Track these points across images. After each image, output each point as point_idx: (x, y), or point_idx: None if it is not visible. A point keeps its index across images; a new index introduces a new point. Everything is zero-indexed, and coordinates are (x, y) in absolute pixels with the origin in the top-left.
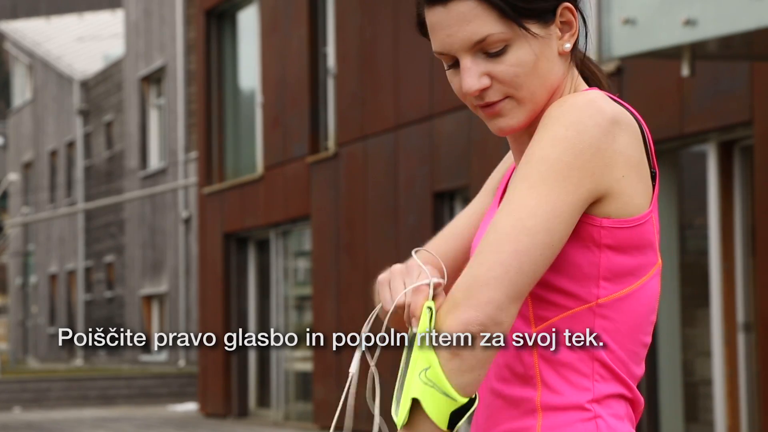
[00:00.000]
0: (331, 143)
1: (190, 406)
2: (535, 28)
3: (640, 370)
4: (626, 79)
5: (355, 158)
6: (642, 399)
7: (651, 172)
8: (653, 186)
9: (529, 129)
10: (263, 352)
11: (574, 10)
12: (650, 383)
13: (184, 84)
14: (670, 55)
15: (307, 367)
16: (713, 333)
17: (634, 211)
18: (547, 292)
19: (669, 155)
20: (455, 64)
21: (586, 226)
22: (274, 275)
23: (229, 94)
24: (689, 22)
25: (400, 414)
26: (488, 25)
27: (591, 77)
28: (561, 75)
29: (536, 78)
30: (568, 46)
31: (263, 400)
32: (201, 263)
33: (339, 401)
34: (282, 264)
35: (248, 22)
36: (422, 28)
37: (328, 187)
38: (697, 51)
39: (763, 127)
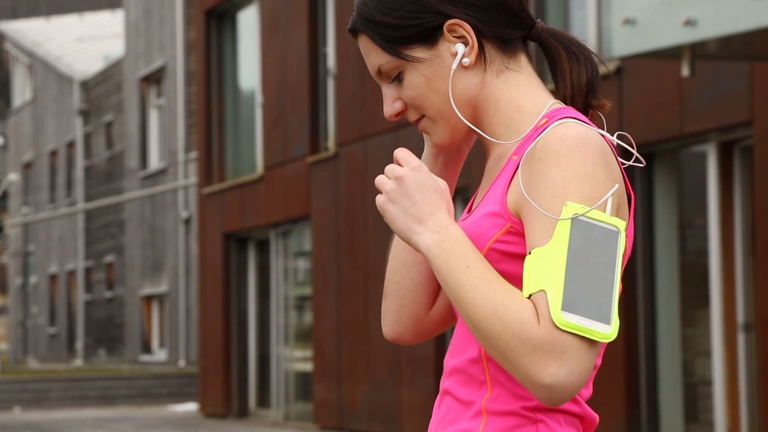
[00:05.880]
0: (331, 143)
1: (190, 406)
2: (417, 52)
3: (586, 391)
4: (626, 79)
5: (355, 158)
6: (596, 417)
7: (627, 195)
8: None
9: (489, 147)
10: (263, 352)
11: (464, 24)
12: (650, 383)
13: (184, 84)
14: (670, 55)
15: (307, 367)
16: (713, 333)
17: None
18: None
19: (669, 155)
20: None
21: None
22: (274, 275)
23: (229, 94)
24: (689, 22)
25: (614, 329)
26: (378, 56)
27: (556, 64)
28: (474, 87)
29: (434, 97)
30: (467, 60)
31: (263, 400)
32: (201, 263)
33: (339, 401)
34: (282, 264)
35: (248, 22)
36: None
37: (328, 187)
38: (697, 51)
39: (763, 127)
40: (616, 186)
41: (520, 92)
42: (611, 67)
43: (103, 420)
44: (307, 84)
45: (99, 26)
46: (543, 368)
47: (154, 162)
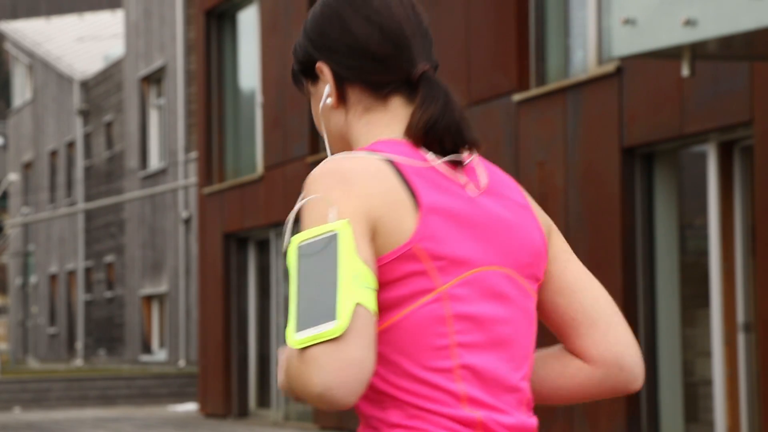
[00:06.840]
0: None
1: (190, 406)
2: (309, 86)
3: (474, 390)
4: (626, 79)
5: None
6: (481, 420)
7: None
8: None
9: None
10: (263, 352)
11: (324, 68)
12: (650, 383)
13: (184, 84)
14: (670, 55)
15: None
16: (713, 333)
17: (391, 246)
18: None
19: (669, 155)
20: None
21: None
22: (274, 275)
23: (229, 94)
24: (689, 22)
25: (341, 320)
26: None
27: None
28: (341, 126)
29: (322, 128)
30: (329, 101)
31: (263, 400)
32: (201, 263)
33: None
34: (282, 264)
35: (248, 22)
36: None
37: None
38: (697, 51)
39: (763, 127)
40: (316, 195)
41: (376, 134)
42: (611, 67)
43: (103, 420)
44: None
45: (99, 26)
46: (309, 384)
47: (154, 162)
